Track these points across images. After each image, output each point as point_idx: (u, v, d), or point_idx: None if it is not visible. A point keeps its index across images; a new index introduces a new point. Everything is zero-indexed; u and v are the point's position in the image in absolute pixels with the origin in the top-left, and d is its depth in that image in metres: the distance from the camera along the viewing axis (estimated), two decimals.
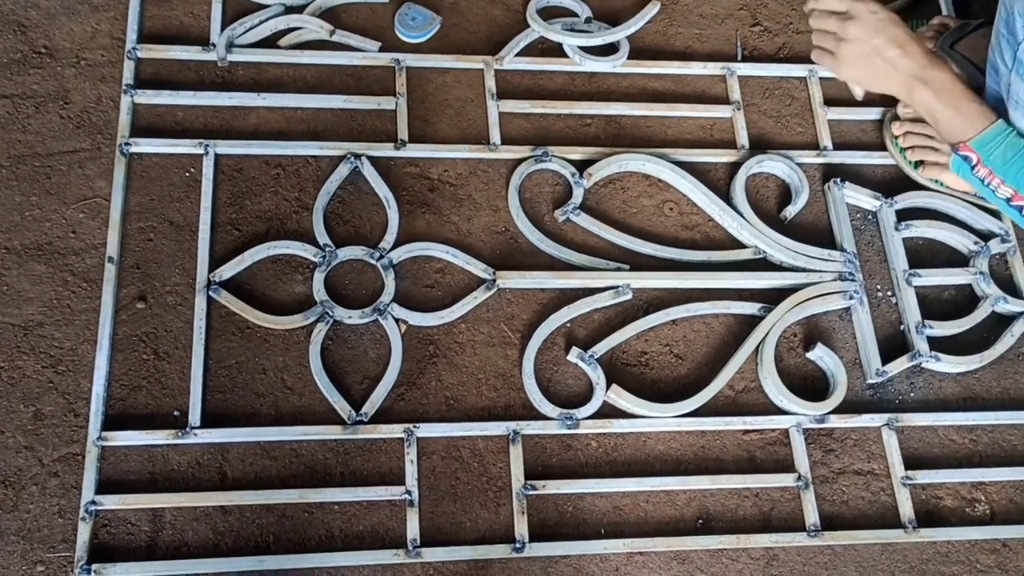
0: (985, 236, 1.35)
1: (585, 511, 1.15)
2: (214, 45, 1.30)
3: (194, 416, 1.11)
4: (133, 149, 1.23)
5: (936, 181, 1.35)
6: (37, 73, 1.26)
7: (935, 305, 1.32)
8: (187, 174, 1.24)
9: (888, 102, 1.41)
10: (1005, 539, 1.21)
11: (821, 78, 1.43)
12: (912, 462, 1.23)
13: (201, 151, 1.24)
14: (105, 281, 1.16)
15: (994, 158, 1.07)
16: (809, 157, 1.38)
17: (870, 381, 1.27)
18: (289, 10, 1.34)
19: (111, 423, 1.11)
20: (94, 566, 1.03)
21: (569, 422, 1.17)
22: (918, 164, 1.36)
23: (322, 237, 1.21)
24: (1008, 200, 1.11)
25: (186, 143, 1.24)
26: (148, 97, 1.26)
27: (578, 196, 1.28)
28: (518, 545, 1.11)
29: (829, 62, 1.15)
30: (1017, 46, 1.07)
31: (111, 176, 1.21)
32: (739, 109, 1.40)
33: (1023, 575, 1.20)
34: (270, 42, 1.33)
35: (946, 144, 1.14)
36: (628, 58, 1.39)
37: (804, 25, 1.46)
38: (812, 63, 1.24)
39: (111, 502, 1.07)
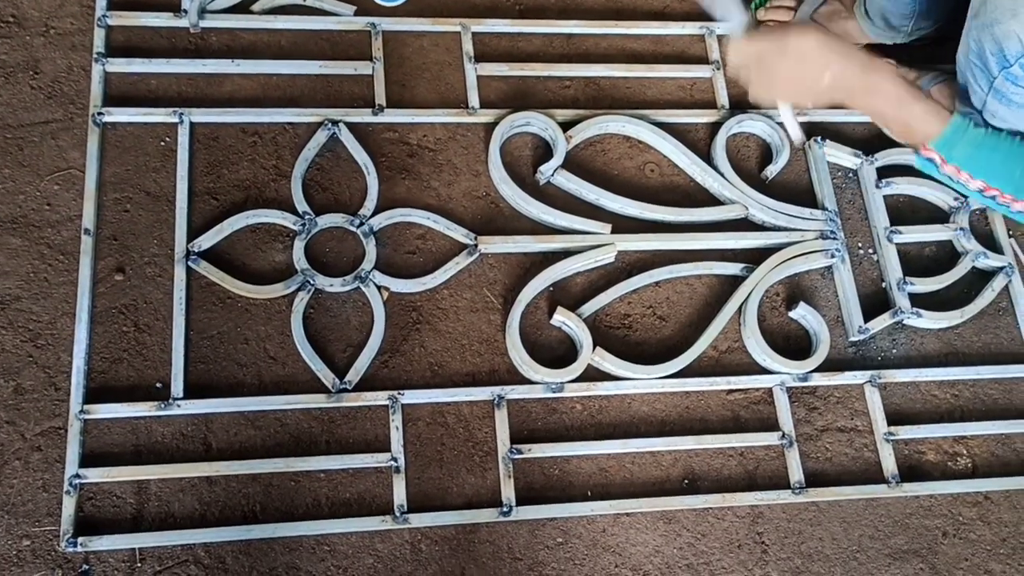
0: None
1: (571, 474, 1.16)
2: (186, 11, 1.28)
3: (177, 387, 1.10)
4: (106, 119, 1.21)
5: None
6: (5, 43, 1.24)
7: (916, 262, 1.33)
8: (162, 143, 1.22)
9: None
10: (987, 491, 1.23)
11: None
12: (895, 418, 1.24)
13: (176, 120, 1.22)
14: (82, 253, 1.14)
15: (957, 155, 1.04)
16: None
17: (852, 339, 1.27)
18: None
19: (93, 396, 1.10)
20: (80, 539, 1.03)
21: (554, 386, 1.17)
22: None
23: (301, 205, 1.20)
24: (981, 191, 1.07)
25: (160, 112, 1.22)
26: (120, 66, 1.24)
27: (559, 158, 1.27)
28: (505, 509, 1.11)
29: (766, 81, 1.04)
30: (993, 79, 1.07)
31: (85, 147, 1.19)
32: (718, 69, 1.39)
33: (1005, 527, 1.21)
34: (243, 7, 1.31)
35: None
36: (606, 19, 1.38)
37: None
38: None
39: (95, 475, 1.06)
